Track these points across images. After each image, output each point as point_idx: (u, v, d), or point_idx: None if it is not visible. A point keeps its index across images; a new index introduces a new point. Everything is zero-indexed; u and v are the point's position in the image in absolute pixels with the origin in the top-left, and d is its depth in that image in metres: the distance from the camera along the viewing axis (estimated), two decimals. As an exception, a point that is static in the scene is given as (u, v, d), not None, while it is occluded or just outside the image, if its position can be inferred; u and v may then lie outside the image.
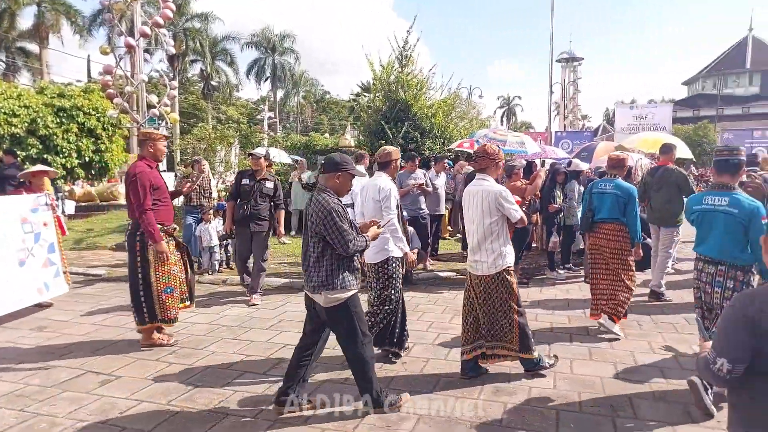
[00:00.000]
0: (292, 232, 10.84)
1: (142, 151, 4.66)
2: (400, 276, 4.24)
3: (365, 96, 31.45)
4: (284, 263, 8.42)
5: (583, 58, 32.64)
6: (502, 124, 55.68)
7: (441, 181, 8.68)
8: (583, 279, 7.24)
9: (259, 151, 8.46)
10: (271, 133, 27.51)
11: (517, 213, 3.75)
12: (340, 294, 3.15)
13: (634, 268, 4.97)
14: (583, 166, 8.63)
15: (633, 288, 4.93)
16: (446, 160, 9.69)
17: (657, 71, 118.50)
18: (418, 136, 11.11)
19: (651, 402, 3.53)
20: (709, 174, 5.88)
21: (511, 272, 3.84)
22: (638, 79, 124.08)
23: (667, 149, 6.67)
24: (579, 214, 6.70)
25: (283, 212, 6.73)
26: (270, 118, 38.67)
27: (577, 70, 33.59)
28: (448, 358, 4.36)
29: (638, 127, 32.98)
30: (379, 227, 3.50)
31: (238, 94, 47.59)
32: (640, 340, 4.76)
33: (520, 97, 68.94)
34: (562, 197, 7.70)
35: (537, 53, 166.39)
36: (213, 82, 39.84)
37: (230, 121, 34.10)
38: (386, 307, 4.12)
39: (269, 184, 6.30)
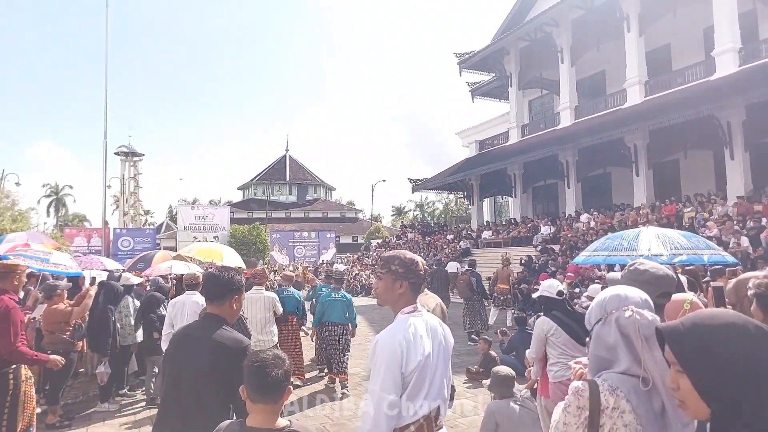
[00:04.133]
0: None
1: (5, 285, 4.18)
2: None
3: None
4: None
5: (144, 154, 32.16)
6: (48, 215, 47.98)
7: None
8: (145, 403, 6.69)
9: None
10: None
11: (281, 308, 6.57)
12: None
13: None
14: (135, 280, 8.14)
15: None
16: None
17: (219, 178, 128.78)
18: None
19: None
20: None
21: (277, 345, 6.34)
22: (201, 180, 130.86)
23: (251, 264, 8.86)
24: (138, 333, 6.97)
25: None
26: None
27: (138, 165, 32.51)
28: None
29: (201, 227, 34.42)
30: None
31: None
32: None
33: (71, 187, 59.80)
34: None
35: (94, 140, 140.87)
36: None
37: None
38: None
39: None
